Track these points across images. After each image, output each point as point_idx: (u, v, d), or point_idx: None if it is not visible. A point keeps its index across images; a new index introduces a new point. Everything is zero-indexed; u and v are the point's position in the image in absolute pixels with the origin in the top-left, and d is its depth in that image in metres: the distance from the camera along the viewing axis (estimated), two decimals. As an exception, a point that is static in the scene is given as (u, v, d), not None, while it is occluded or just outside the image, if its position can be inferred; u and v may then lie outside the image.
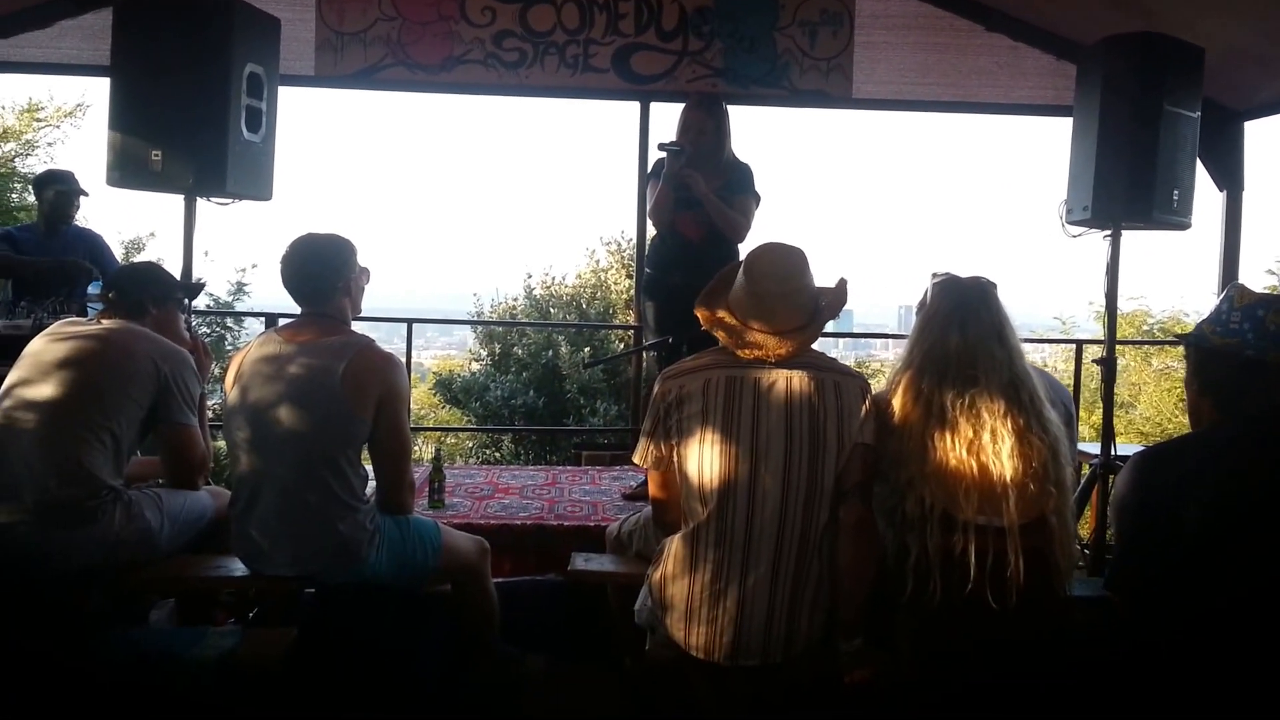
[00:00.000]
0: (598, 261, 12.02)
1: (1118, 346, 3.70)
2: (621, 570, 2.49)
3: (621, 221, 12.13)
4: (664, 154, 3.56)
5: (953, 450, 1.94)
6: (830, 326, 2.22)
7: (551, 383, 10.27)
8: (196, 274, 3.40)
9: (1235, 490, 1.68)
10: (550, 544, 3.23)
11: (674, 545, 2.06)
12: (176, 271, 3.04)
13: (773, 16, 4.69)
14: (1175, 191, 3.37)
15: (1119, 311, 3.75)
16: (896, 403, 2.04)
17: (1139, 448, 2.54)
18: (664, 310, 3.64)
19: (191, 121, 3.07)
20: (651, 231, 3.82)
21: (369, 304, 2.63)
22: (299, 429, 2.27)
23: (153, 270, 2.77)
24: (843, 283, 2.18)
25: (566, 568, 2.53)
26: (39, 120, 11.00)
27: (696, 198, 3.50)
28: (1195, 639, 1.67)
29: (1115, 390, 3.64)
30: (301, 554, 2.30)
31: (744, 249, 3.47)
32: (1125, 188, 3.34)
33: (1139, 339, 10.10)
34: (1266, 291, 1.90)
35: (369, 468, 2.42)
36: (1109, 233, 3.55)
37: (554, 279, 12.02)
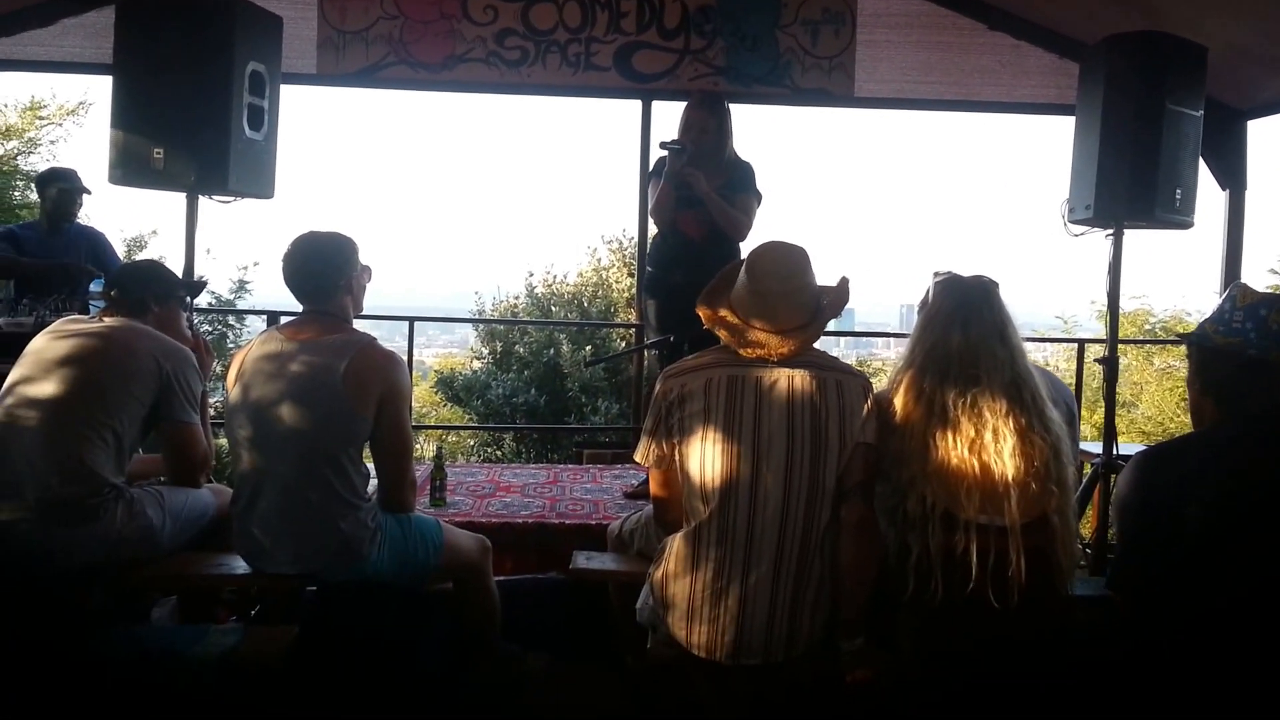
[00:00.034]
0: (599, 260, 12.01)
1: (1120, 346, 3.70)
2: (623, 569, 2.49)
3: (623, 220, 12.13)
4: (665, 152, 3.56)
5: (954, 449, 1.94)
6: (832, 325, 2.22)
7: (553, 381, 10.27)
8: (198, 272, 3.41)
9: (1237, 490, 1.68)
10: (552, 542, 3.23)
11: (675, 544, 2.06)
12: (178, 269, 3.04)
13: (775, 15, 4.68)
14: (1178, 190, 3.37)
15: (1121, 311, 3.74)
16: (898, 402, 2.04)
17: (1141, 447, 2.54)
18: (665, 309, 3.64)
19: (194, 120, 3.07)
20: (653, 230, 3.82)
21: (370, 302, 2.63)
22: (301, 427, 2.27)
23: (155, 268, 2.77)
24: (844, 281, 2.18)
25: (568, 566, 2.53)
26: (41, 118, 10.99)
27: (698, 196, 3.49)
28: (1197, 638, 1.67)
29: (1117, 389, 3.63)
30: (303, 552, 2.30)
31: (745, 248, 3.47)
32: (1128, 187, 3.34)
33: (1141, 338, 10.08)
34: (1269, 291, 1.89)
35: (371, 466, 2.42)
36: (1111, 232, 3.54)
37: (555, 277, 12.02)
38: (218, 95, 3.09)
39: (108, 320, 2.51)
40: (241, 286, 11.38)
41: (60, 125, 11.11)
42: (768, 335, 2.03)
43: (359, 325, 2.51)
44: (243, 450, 2.34)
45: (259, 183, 3.33)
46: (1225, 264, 4.72)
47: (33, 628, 2.23)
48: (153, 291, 2.61)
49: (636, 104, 4.78)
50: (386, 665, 2.27)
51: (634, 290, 6.62)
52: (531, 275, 11.94)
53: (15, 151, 10.86)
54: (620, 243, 11.76)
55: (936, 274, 2.17)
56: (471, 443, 10.90)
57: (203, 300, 7.27)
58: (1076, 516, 2.13)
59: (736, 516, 1.97)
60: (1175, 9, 3.74)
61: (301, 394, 2.28)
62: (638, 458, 2.16)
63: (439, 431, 11.05)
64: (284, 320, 2.59)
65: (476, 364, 11.60)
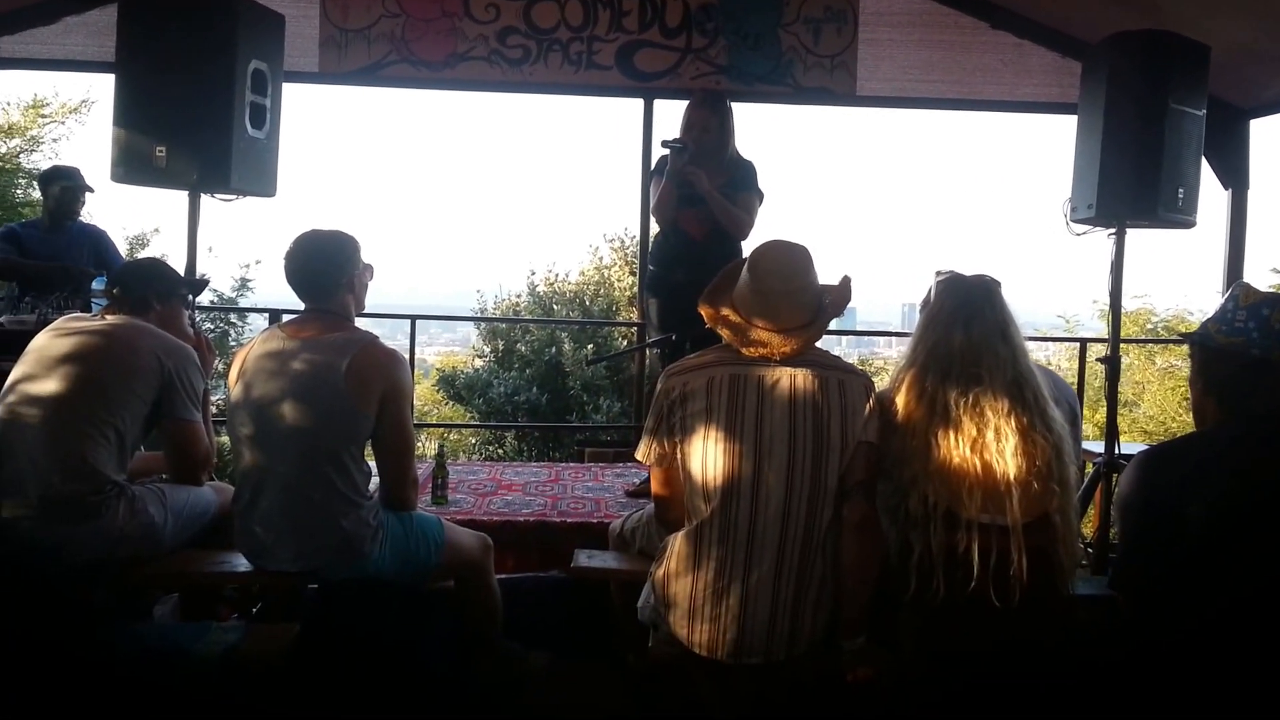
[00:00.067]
0: (601, 258, 12.02)
1: (1122, 345, 3.69)
2: (624, 567, 2.49)
3: (625, 218, 12.14)
4: (667, 151, 3.56)
5: (956, 448, 1.94)
6: (834, 324, 2.22)
7: (554, 379, 10.27)
8: (200, 270, 3.41)
9: (1239, 489, 1.68)
10: (553, 541, 3.24)
11: (677, 543, 2.06)
12: (181, 267, 3.04)
13: (777, 14, 4.68)
14: (1180, 190, 3.36)
15: (1123, 310, 3.74)
16: (900, 401, 2.04)
17: (1142, 446, 2.54)
18: (667, 307, 3.64)
19: (196, 118, 3.07)
20: (655, 228, 3.82)
21: (372, 300, 2.63)
22: (302, 425, 2.27)
23: (157, 266, 2.78)
24: (846, 280, 2.18)
25: (569, 564, 2.53)
26: (44, 116, 11.01)
27: (699, 195, 3.49)
28: (1199, 638, 1.67)
29: (1119, 389, 3.63)
30: (304, 550, 2.31)
31: (747, 246, 3.47)
32: (1130, 186, 3.33)
33: (1143, 338, 10.09)
34: (1272, 290, 1.89)
35: (372, 464, 2.42)
36: (1113, 231, 3.54)
37: (557, 276, 12.04)
38: (220, 93, 3.09)
39: (110, 318, 2.51)
40: (243, 284, 11.41)
41: (63, 123, 11.13)
42: (770, 334, 2.02)
43: (361, 323, 2.51)
44: (244, 448, 2.35)
45: (261, 181, 3.33)
46: (1228, 263, 4.72)
47: (35, 625, 2.23)
48: (155, 289, 2.61)
49: (638, 103, 4.79)
50: (388, 663, 2.27)
51: (635, 289, 6.63)
52: (533, 274, 11.97)
53: (18, 149, 10.88)
54: (622, 241, 11.78)
55: (938, 273, 2.17)
56: (473, 441, 10.91)
57: (205, 298, 7.29)
58: (1078, 516, 2.13)
59: (738, 515, 1.97)
60: (1178, 8, 3.74)
61: (303, 392, 2.28)
62: (639, 456, 2.16)
63: (440, 429, 11.06)
64: (286, 318, 2.59)
65: (478, 362, 11.61)
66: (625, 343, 9.62)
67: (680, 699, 2.12)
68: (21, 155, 10.88)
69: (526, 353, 10.67)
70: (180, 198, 3.31)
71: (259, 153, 3.27)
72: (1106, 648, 1.90)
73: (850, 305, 2.20)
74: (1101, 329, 7.28)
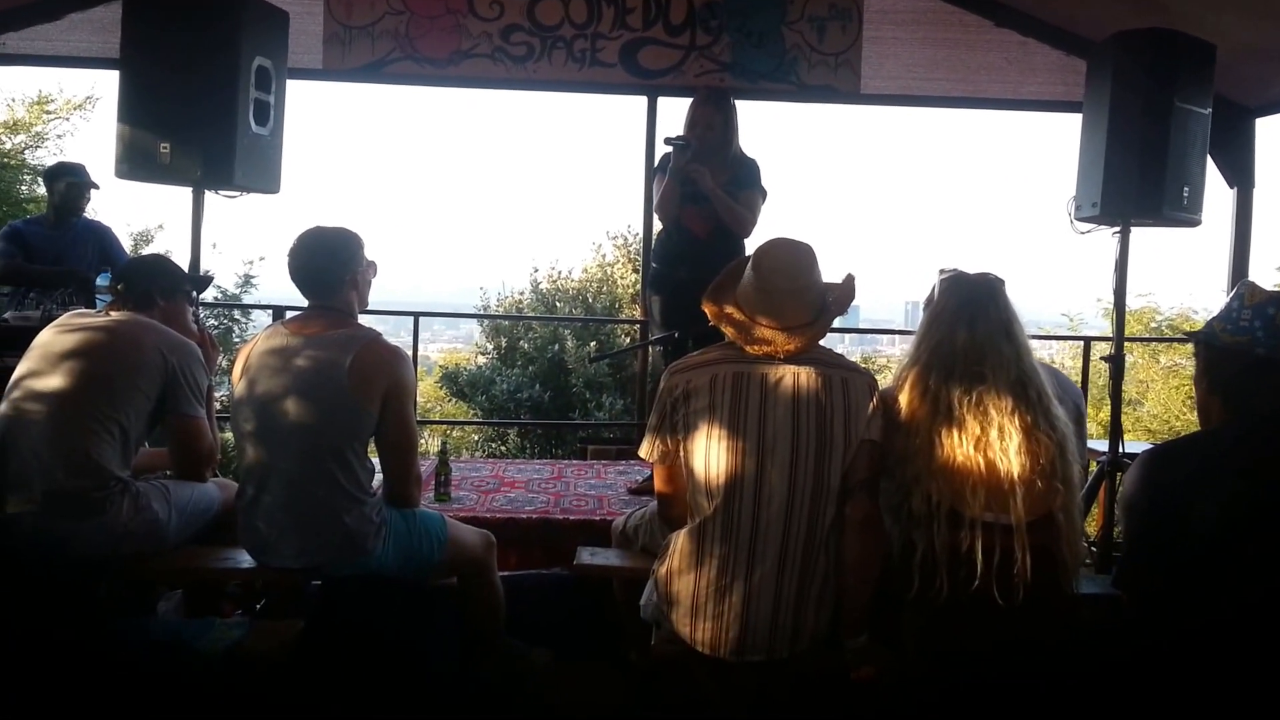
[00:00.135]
0: (604, 256, 12.01)
1: (1126, 343, 3.68)
2: (627, 565, 2.49)
3: (628, 216, 12.13)
4: (671, 148, 3.56)
5: (960, 447, 1.93)
6: (837, 322, 2.22)
7: (557, 377, 10.27)
8: (204, 267, 3.42)
9: (1244, 489, 1.67)
10: (556, 538, 3.24)
11: (680, 540, 2.06)
12: (185, 264, 3.04)
13: (781, 11, 4.67)
14: (1185, 188, 3.35)
15: (1127, 308, 3.73)
16: (903, 399, 2.04)
17: (1147, 445, 2.53)
18: (670, 305, 3.64)
19: (200, 115, 3.07)
20: (658, 226, 3.82)
21: (375, 297, 2.63)
22: (305, 421, 2.27)
23: (161, 263, 2.78)
24: (850, 279, 2.17)
25: (572, 562, 2.53)
26: (49, 113, 11.03)
27: (703, 192, 3.49)
28: (1203, 637, 1.67)
29: (1123, 387, 3.62)
30: (308, 546, 2.31)
31: (750, 244, 3.47)
32: (1135, 184, 3.32)
33: (1147, 336, 10.07)
34: (1277, 289, 1.88)
35: (375, 461, 2.43)
36: (1118, 229, 3.53)
37: (560, 273, 12.03)
38: (224, 90, 3.09)
39: (114, 314, 2.52)
40: (247, 281, 11.42)
41: (67, 120, 11.15)
42: (774, 332, 2.02)
43: (364, 320, 2.51)
44: (248, 444, 2.35)
45: (265, 178, 3.33)
46: (1233, 262, 4.70)
47: (39, 620, 2.24)
48: (159, 286, 2.62)
49: (642, 100, 4.79)
50: (391, 660, 2.28)
51: (639, 286, 6.63)
52: (536, 271, 11.96)
53: (22, 146, 10.90)
54: (625, 238, 11.76)
55: (942, 271, 2.17)
56: (476, 438, 10.92)
57: (209, 295, 7.28)
58: (1082, 514, 2.12)
59: (741, 513, 1.97)
60: (1183, 6, 3.72)
61: (307, 388, 2.28)
62: (642, 453, 2.17)
63: (443, 426, 11.07)
64: (289, 315, 2.60)
65: (481, 359, 11.62)
66: (628, 340, 9.62)
67: (683, 696, 2.12)
68: (26, 151, 10.90)
69: (529, 350, 10.67)
70: (184, 194, 3.32)
71: (263, 149, 3.27)
72: (1110, 647, 1.90)
73: (854, 303, 2.20)
74: (1106, 327, 7.28)
